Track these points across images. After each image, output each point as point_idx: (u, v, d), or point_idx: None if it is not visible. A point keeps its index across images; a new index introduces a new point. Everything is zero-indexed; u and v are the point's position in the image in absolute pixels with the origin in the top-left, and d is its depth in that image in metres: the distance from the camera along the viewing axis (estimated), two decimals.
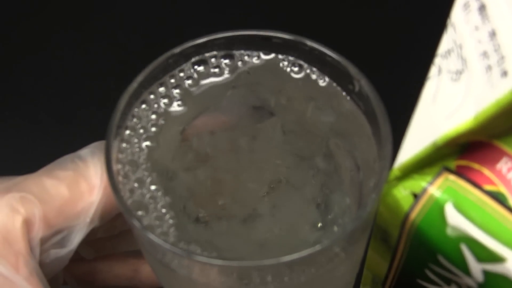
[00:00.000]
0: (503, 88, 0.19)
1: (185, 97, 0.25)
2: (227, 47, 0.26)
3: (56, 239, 0.26)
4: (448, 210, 0.21)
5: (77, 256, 0.29)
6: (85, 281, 0.31)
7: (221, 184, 0.24)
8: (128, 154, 0.24)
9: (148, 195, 0.23)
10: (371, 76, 0.24)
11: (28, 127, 0.47)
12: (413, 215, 0.22)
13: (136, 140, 0.24)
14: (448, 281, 0.23)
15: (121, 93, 0.24)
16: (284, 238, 0.23)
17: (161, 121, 0.25)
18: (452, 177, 0.21)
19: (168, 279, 0.24)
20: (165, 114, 0.25)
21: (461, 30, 0.21)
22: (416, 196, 0.22)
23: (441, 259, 0.22)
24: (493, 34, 0.19)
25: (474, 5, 0.20)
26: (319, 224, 0.23)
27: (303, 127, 0.25)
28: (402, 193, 0.22)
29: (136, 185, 0.24)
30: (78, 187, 0.26)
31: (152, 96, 0.25)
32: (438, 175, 0.21)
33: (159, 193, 0.24)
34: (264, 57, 0.26)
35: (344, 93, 0.25)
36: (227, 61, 0.26)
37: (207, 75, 0.26)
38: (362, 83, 0.24)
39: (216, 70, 0.26)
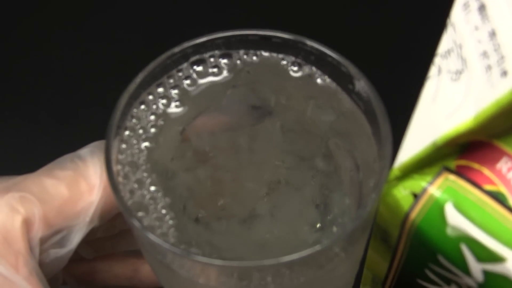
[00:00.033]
0: (503, 88, 0.19)
1: (184, 97, 0.25)
2: (227, 47, 0.26)
3: (55, 239, 0.26)
4: (448, 210, 0.21)
5: (77, 256, 0.29)
6: (84, 281, 0.31)
7: (221, 184, 0.24)
8: (127, 155, 0.24)
9: (148, 196, 0.23)
10: (371, 76, 0.24)
11: (28, 127, 0.47)
12: (413, 215, 0.22)
13: (135, 141, 0.24)
14: (448, 281, 0.23)
15: (121, 93, 0.24)
16: (284, 239, 0.23)
17: (160, 122, 0.25)
18: (452, 177, 0.21)
19: (168, 279, 0.24)
20: (164, 115, 0.25)
21: (461, 30, 0.21)
22: (416, 196, 0.22)
23: (441, 259, 0.22)
24: (493, 34, 0.19)
25: (474, 5, 0.20)
26: (319, 225, 0.23)
27: (303, 127, 0.25)
28: (402, 193, 0.22)
29: (136, 186, 0.24)
30: (78, 186, 0.26)
31: (150, 97, 0.25)
32: (438, 175, 0.21)
33: (159, 194, 0.24)
34: (264, 56, 0.26)
35: (344, 93, 0.25)
36: (225, 60, 0.26)
37: (206, 74, 0.26)
38: (362, 82, 0.24)
39: (215, 70, 0.26)
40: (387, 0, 0.51)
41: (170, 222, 0.23)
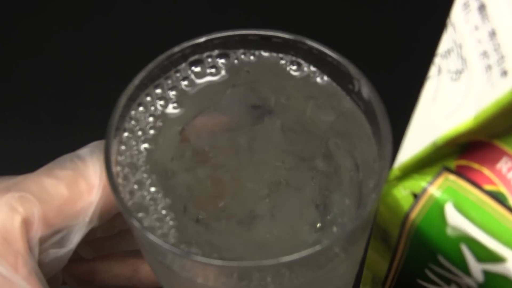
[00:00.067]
0: (503, 88, 0.19)
1: (182, 98, 0.25)
2: (226, 47, 0.26)
3: (55, 239, 0.26)
4: (448, 210, 0.21)
5: (76, 256, 0.29)
6: (84, 281, 0.31)
7: (221, 185, 0.24)
8: (127, 156, 0.24)
9: (148, 197, 0.23)
10: (371, 76, 0.24)
11: (28, 127, 0.47)
12: (413, 215, 0.22)
13: (134, 143, 0.24)
14: (448, 281, 0.23)
15: (121, 93, 0.24)
16: (284, 239, 0.23)
17: (159, 123, 0.25)
18: (452, 177, 0.21)
19: (168, 279, 0.24)
20: (163, 116, 0.25)
21: (461, 29, 0.21)
22: (416, 196, 0.22)
23: (441, 259, 0.22)
24: (493, 34, 0.19)
25: (474, 5, 0.20)
26: (319, 225, 0.23)
27: (303, 127, 0.25)
28: (402, 193, 0.22)
29: (136, 187, 0.23)
30: (77, 186, 0.26)
31: (148, 98, 0.25)
32: (438, 175, 0.21)
33: (159, 195, 0.24)
34: (263, 56, 0.26)
35: (344, 93, 0.25)
36: (223, 60, 0.26)
37: (204, 75, 0.26)
38: (362, 82, 0.24)
39: (213, 70, 0.26)
40: (387, 0, 0.51)
41: (171, 222, 0.23)
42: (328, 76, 0.25)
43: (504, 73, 0.19)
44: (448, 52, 0.21)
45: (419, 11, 0.49)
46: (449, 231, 0.21)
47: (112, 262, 0.31)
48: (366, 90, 0.24)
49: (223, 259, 0.22)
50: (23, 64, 0.50)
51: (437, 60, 0.22)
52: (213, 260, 0.20)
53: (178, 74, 0.26)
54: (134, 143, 0.24)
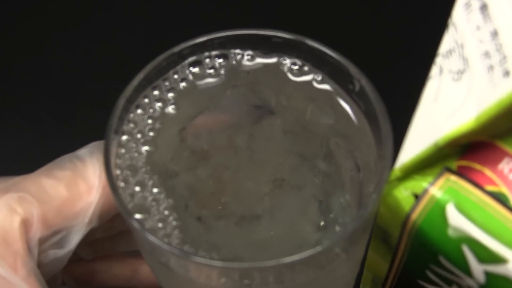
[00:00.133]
0: (505, 88, 0.18)
1: (181, 99, 0.25)
2: (225, 47, 0.26)
3: (54, 240, 0.26)
4: (449, 210, 0.21)
5: (76, 257, 0.29)
6: (83, 281, 0.31)
7: (223, 184, 0.24)
8: (126, 159, 0.24)
9: (149, 198, 0.23)
10: (372, 76, 0.24)
11: (28, 127, 0.47)
12: (414, 215, 0.22)
13: (134, 145, 0.24)
14: (449, 282, 0.23)
15: (121, 93, 0.24)
16: (285, 238, 0.23)
17: (158, 125, 0.25)
18: (453, 178, 0.21)
19: (168, 280, 0.24)
20: (162, 117, 0.25)
21: (462, 29, 0.21)
22: (417, 197, 0.22)
23: (442, 260, 0.22)
24: (495, 34, 0.19)
25: (476, 5, 0.20)
26: (321, 223, 0.23)
27: (304, 127, 0.25)
28: (403, 193, 0.22)
29: (136, 188, 0.23)
30: (77, 187, 0.26)
31: (146, 100, 0.25)
32: (439, 175, 0.21)
33: (161, 195, 0.23)
34: (263, 56, 0.26)
35: (344, 93, 0.25)
36: (221, 60, 0.26)
37: (203, 75, 0.26)
38: (363, 82, 0.24)
39: (212, 71, 0.26)
40: (388, 0, 0.51)
41: (174, 223, 0.23)
42: (328, 76, 0.25)
43: (506, 73, 0.19)
44: (450, 52, 0.21)
45: (420, 10, 0.49)
46: (450, 232, 0.21)
47: (111, 262, 0.31)
48: (366, 90, 0.23)
49: (225, 258, 0.22)
50: (23, 64, 0.50)
51: (439, 60, 0.22)
52: (214, 261, 0.20)
53: (176, 75, 0.26)
54: (133, 145, 0.24)
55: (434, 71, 0.22)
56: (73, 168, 0.26)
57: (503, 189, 0.20)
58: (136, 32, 0.51)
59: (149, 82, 0.25)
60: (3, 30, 0.51)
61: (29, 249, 0.25)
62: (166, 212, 0.23)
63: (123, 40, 0.50)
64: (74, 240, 0.26)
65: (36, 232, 0.25)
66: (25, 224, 0.25)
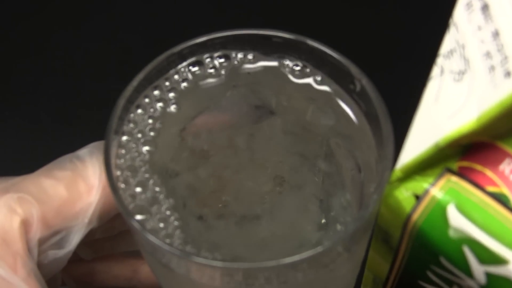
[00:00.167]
0: (506, 89, 0.18)
1: (182, 99, 0.25)
2: (225, 47, 0.25)
3: (54, 240, 0.26)
4: (450, 211, 0.21)
5: (76, 257, 0.29)
6: (83, 282, 0.31)
7: (224, 184, 0.24)
8: (126, 159, 0.24)
9: (151, 198, 0.23)
10: (372, 76, 0.24)
11: (28, 127, 0.47)
12: (415, 216, 0.22)
13: (134, 145, 0.24)
14: (450, 283, 0.23)
15: (121, 93, 0.24)
16: (286, 238, 0.23)
17: (158, 125, 0.25)
18: (454, 179, 0.21)
19: (168, 280, 0.24)
20: (162, 117, 0.25)
21: (463, 30, 0.21)
22: (418, 198, 0.22)
23: (443, 260, 0.22)
24: (496, 34, 0.19)
25: (477, 5, 0.20)
26: (322, 221, 0.23)
27: (304, 127, 0.25)
28: (404, 194, 0.22)
29: (137, 189, 0.23)
30: (77, 187, 0.26)
31: (147, 100, 0.25)
32: (440, 176, 0.21)
33: (162, 196, 0.23)
34: (264, 57, 0.26)
35: (345, 93, 0.25)
36: (223, 60, 0.26)
37: (204, 75, 0.26)
38: (364, 82, 0.24)
39: (212, 71, 0.26)
40: (388, 0, 0.51)
41: (175, 223, 0.23)
42: (329, 76, 0.25)
43: (508, 74, 0.18)
44: (451, 52, 0.21)
45: (422, 11, 0.49)
46: (451, 233, 0.21)
47: (111, 263, 0.31)
48: (367, 90, 0.23)
49: (226, 258, 0.22)
50: (23, 64, 0.50)
51: (440, 60, 0.22)
52: (215, 262, 0.20)
53: (177, 75, 0.25)
54: (133, 145, 0.24)
55: (435, 71, 0.22)
56: (73, 169, 0.26)
57: (504, 190, 0.20)
58: (136, 32, 0.51)
59: (150, 82, 0.25)
60: (3, 30, 0.51)
61: (29, 249, 0.25)
62: (168, 213, 0.23)
63: (123, 40, 0.50)
64: (74, 240, 0.26)
65: (36, 232, 0.25)
66: (25, 225, 0.25)
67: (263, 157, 0.25)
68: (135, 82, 0.24)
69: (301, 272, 0.21)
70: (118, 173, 0.23)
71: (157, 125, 0.25)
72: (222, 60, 0.26)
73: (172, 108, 0.25)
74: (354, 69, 0.24)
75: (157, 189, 0.24)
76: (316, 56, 0.25)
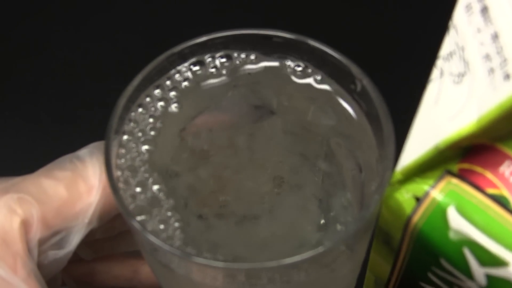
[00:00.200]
0: (506, 91, 0.18)
1: (183, 98, 0.25)
2: (226, 47, 0.25)
3: (54, 240, 0.26)
4: (450, 213, 0.21)
5: (76, 257, 0.29)
6: (83, 282, 0.31)
7: (223, 183, 0.24)
8: (127, 159, 0.24)
9: (151, 199, 0.23)
10: (373, 78, 0.24)
11: (28, 127, 0.47)
12: (416, 218, 0.22)
13: (134, 145, 0.24)
14: (450, 285, 0.23)
15: (121, 93, 0.24)
16: (287, 238, 0.23)
17: (159, 124, 0.25)
18: (454, 181, 0.21)
19: (168, 280, 0.24)
20: (163, 117, 0.25)
21: (463, 32, 0.21)
22: (418, 200, 0.22)
23: (444, 262, 0.22)
24: (495, 37, 0.19)
25: (477, 7, 0.20)
26: (322, 221, 0.23)
27: (304, 127, 0.25)
28: (404, 196, 0.22)
29: (137, 189, 0.23)
30: (77, 187, 0.26)
31: (148, 99, 0.25)
32: (440, 178, 0.21)
33: (162, 196, 0.23)
34: (265, 57, 0.26)
35: (346, 93, 0.25)
36: (224, 60, 0.26)
37: (205, 75, 0.26)
38: (364, 82, 0.24)
39: (213, 70, 0.26)
40: (389, 2, 0.51)
41: (176, 224, 0.23)
42: (329, 76, 0.25)
43: (507, 76, 0.18)
44: (450, 54, 0.21)
45: (421, 13, 0.49)
46: (451, 235, 0.21)
47: (112, 263, 0.31)
48: (368, 90, 0.23)
49: (227, 258, 0.22)
50: (23, 64, 0.50)
51: (439, 62, 0.22)
52: (215, 262, 0.20)
53: (178, 75, 0.25)
54: (133, 145, 0.24)
55: (435, 73, 0.22)
56: (73, 169, 0.26)
57: (504, 192, 0.20)
58: (136, 32, 0.51)
59: (152, 81, 0.25)
60: (3, 30, 0.51)
61: (29, 250, 0.25)
62: (169, 213, 0.23)
63: (123, 40, 0.50)
64: (74, 240, 0.26)
65: (36, 232, 0.25)
66: (25, 225, 0.25)
67: (263, 157, 0.25)
68: (136, 82, 0.24)
69: (303, 272, 0.21)
70: (119, 173, 0.23)
71: (158, 124, 0.25)
72: (223, 60, 0.26)
73: (173, 107, 0.25)
74: (355, 69, 0.24)
75: (157, 189, 0.24)
76: (317, 56, 0.25)
